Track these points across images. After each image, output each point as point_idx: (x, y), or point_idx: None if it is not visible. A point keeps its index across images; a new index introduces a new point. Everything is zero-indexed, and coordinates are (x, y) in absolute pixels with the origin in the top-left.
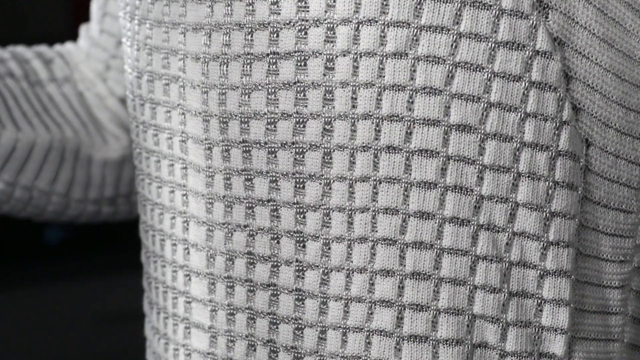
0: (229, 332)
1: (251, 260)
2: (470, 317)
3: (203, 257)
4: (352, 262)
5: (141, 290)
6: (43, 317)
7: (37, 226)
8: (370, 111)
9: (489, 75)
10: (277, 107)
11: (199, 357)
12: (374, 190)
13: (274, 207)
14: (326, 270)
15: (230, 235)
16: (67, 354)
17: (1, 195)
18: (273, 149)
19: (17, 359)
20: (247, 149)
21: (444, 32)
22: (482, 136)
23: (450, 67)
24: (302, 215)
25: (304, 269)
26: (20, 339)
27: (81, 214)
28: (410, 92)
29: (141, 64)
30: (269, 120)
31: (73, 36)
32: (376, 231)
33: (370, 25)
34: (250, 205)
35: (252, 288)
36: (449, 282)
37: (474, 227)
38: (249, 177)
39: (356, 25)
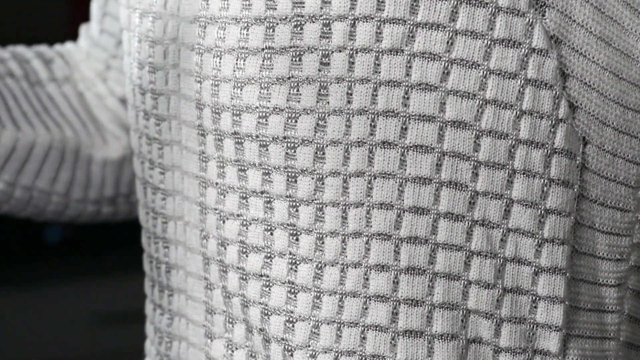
0: (226, 312)
1: (243, 249)
2: (464, 312)
3: (197, 236)
4: (346, 256)
5: (141, 290)
6: (43, 317)
7: (37, 226)
8: (365, 107)
9: (485, 72)
10: (269, 101)
11: (195, 329)
12: (369, 186)
13: (268, 199)
14: (320, 265)
15: (222, 222)
16: (67, 354)
17: (1, 195)
18: (265, 143)
19: (17, 359)
20: (239, 140)
21: (440, 29)
22: (477, 133)
23: (446, 64)
24: (295, 209)
25: (298, 262)
26: (20, 339)
27: (81, 214)
28: (406, 88)
29: (142, 55)
30: (260, 114)
31: (73, 36)
32: (371, 226)
33: (366, 21)
34: (244, 195)
35: (244, 276)
36: (443, 277)
37: (468, 223)
38: (242, 168)
39: (352, 22)
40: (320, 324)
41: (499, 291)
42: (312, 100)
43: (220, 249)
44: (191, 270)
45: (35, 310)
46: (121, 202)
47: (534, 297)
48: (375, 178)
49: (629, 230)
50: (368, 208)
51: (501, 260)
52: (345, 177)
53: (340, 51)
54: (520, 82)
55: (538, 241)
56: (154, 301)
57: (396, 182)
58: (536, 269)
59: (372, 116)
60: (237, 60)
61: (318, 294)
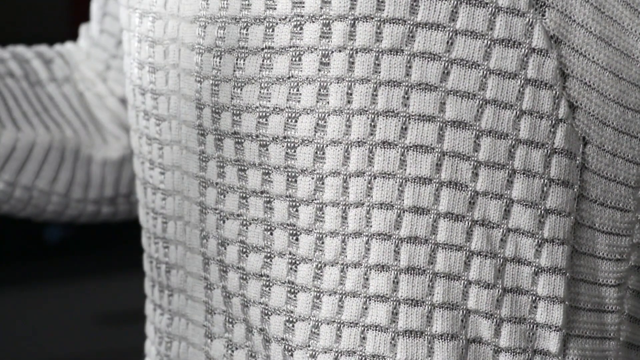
0: (226, 312)
1: (243, 249)
2: (464, 312)
3: (197, 236)
4: (346, 256)
5: (141, 290)
6: (43, 317)
7: (37, 226)
8: (365, 106)
9: (485, 72)
10: (269, 101)
11: (195, 329)
12: (369, 186)
13: (268, 199)
14: (320, 265)
15: (222, 222)
16: (67, 354)
17: (1, 195)
18: (264, 143)
19: (17, 359)
20: (239, 140)
21: (439, 29)
22: (477, 133)
23: (446, 64)
24: (294, 209)
25: (297, 262)
26: (21, 339)
27: (81, 214)
28: (406, 88)
29: (142, 55)
30: (260, 114)
31: (73, 36)
32: (371, 226)
33: (366, 21)
34: (244, 195)
35: (244, 276)
36: (443, 277)
37: (468, 223)
38: (242, 167)
39: (352, 22)
40: (320, 324)
41: (499, 291)
42: (312, 100)
43: (220, 248)
44: (191, 270)
45: (35, 310)
46: (121, 202)
47: (534, 297)
48: (375, 178)
49: (629, 230)
50: (368, 208)
51: (501, 260)
52: (345, 177)
53: (340, 51)
54: (520, 82)
55: (538, 241)
56: (154, 301)
57: (396, 182)
58: (536, 269)
59: (372, 116)
60: (237, 60)
61: (318, 294)
